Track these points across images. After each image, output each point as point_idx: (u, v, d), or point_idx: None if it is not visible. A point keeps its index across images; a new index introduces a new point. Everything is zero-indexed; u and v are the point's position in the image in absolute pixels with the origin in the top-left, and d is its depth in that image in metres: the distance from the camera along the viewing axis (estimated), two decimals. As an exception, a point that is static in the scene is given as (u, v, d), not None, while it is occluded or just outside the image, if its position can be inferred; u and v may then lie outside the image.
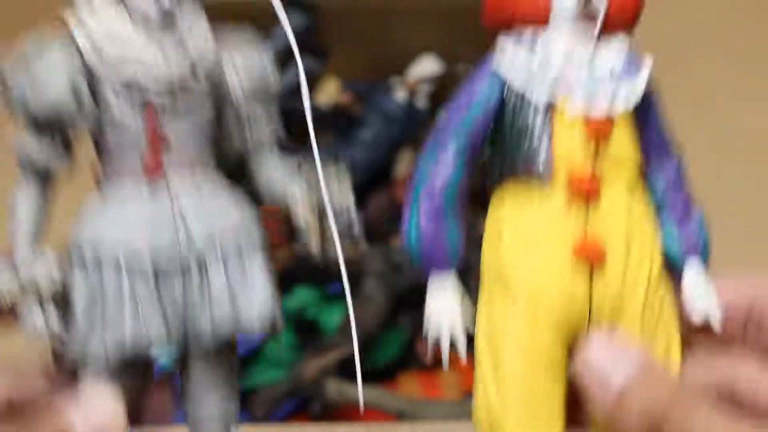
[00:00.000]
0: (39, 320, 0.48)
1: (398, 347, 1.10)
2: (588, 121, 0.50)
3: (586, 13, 0.51)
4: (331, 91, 1.24)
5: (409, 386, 1.07)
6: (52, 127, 0.50)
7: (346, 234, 0.53)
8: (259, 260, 0.52)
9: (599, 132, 0.50)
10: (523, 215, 0.50)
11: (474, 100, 0.52)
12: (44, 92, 0.49)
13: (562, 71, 0.50)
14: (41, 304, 0.48)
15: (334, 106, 1.22)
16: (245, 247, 0.52)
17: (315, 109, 0.57)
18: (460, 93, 0.52)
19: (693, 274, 0.51)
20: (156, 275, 0.49)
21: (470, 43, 1.17)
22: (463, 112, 0.52)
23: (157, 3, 0.50)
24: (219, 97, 0.53)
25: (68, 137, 0.51)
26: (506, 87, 0.51)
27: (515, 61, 0.51)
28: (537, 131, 0.50)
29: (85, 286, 0.49)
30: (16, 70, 0.49)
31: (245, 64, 0.54)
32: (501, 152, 0.52)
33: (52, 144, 0.51)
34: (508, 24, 0.52)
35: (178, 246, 0.50)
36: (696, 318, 0.50)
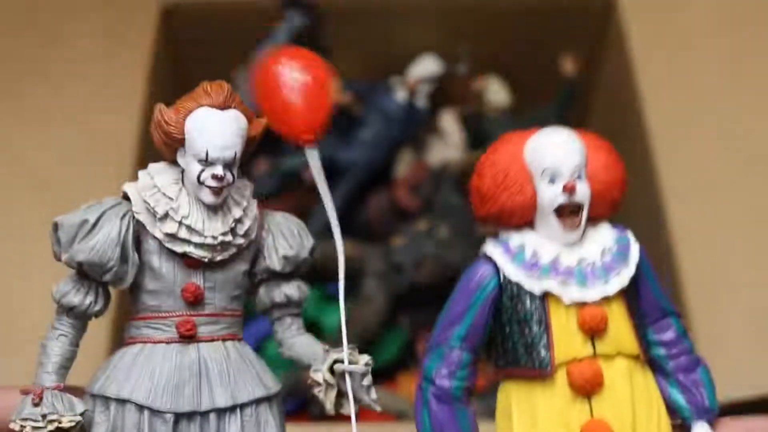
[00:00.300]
0: None
1: (398, 347, 1.10)
2: (584, 308, 0.52)
3: (570, 207, 0.52)
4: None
5: (409, 386, 1.07)
6: (96, 278, 0.53)
7: (363, 396, 0.55)
8: (274, 412, 0.55)
9: (596, 319, 0.51)
10: (529, 406, 0.52)
11: (471, 301, 0.53)
12: (93, 246, 0.52)
13: (554, 264, 0.52)
14: None
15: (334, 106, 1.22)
16: (262, 402, 0.54)
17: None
18: (458, 291, 0.54)
19: None
20: (176, 420, 0.52)
21: (470, 43, 1.17)
22: (464, 308, 0.54)
23: (210, 169, 0.52)
24: (254, 255, 0.56)
25: (107, 287, 0.54)
26: (502, 274, 0.53)
27: (506, 258, 0.53)
28: (535, 320, 0.52)
29: (105, 424, 0.52)
30: (69, 221, 0.52)
31: (284, 231, 0.57)
32: (502, 337, 0.53)
33: (93, 293, 0.53)
34: (495, 222, 0.54)
35: (200, 402, 0.52)
36: None
